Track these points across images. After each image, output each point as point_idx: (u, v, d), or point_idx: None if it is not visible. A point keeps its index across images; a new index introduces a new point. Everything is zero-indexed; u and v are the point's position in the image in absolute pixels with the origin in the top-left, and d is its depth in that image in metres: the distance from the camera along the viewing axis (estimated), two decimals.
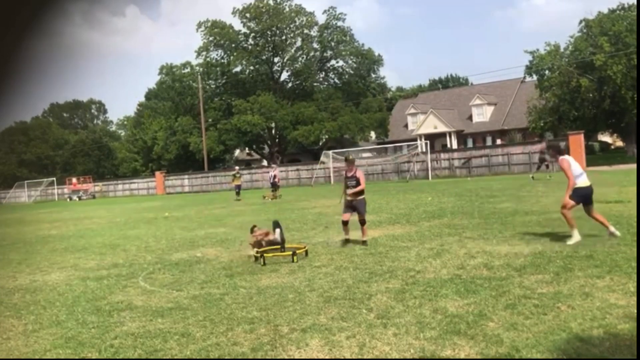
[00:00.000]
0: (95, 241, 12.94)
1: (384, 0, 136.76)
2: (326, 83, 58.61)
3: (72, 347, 4.81)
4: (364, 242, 9.01)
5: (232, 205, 23.21)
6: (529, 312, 4.75)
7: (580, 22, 37.67)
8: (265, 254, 8.18)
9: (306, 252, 8.47)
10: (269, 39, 54.16)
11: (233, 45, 54.87)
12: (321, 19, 55.66)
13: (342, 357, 4.10)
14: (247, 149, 62.56)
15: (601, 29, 35.46)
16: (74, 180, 56.21)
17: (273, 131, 55.94)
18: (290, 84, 58.43)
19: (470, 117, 53.40)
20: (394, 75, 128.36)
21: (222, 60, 56.34)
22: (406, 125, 56.87)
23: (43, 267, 9.39)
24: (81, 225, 18.59)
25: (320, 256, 8.34)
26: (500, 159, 33.78)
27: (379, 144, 56.38)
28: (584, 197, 7.89)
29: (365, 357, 4.08)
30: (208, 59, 56.18)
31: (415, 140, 44.52)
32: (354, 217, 9.23)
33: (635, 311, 4.54)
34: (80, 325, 5.48)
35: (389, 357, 4.03)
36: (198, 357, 4.34)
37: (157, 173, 52.50)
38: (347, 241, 9.26)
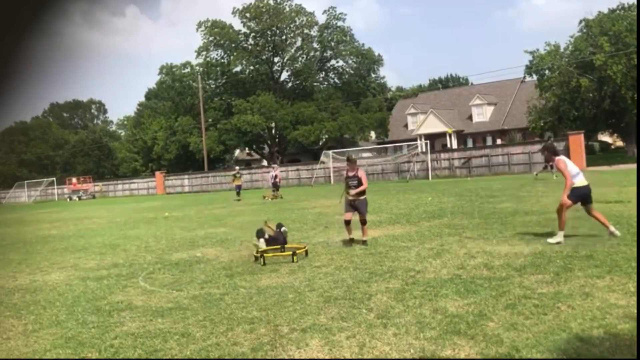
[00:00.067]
0: (95, 241, 12.94)
1: (384, 0, 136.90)
2: (326, 83, 58.65)
3: (72, 347, 4.81)
4: (364, 242, 9.01)
5: (232, 205, 23.21)
6: (529, 312, 4.75)
7: (580, 22, 37.71)
8: (265, 254, 8.18)
9: (306, 252, 8.47)
10: (269, 38, 54.17)
11: (233, 45, 54.88)
12: (321, 19, 55.78)
13: (342, 357, 4.10)
14: (247, 149, 62.58)
15: (601, 29, 35.46)
16: (74, 180, 56.22)
17: (273, 131, 55.95)
18: (290, 84, 58.45)
19: (470, 117, 53.40)
20: (394, 75, 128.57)
21: (222, 60, 56.36)
22: (406, 125, 56.87)
23: (43, 267, 9.38)
24: (81, 225, 18.59)
25: (320, 256, 8.34)
26: (500, 159, 33.79)
27: (379, 144, 56.38)
28: (582, 196, 7.90)
29: (365, 357, 4.08)
30: (208, 59, 56.20)
31: (415, 140, 44.51)
32: (355, 217, 9.22)
33: (635, 311, 4.54)
34: (80, 325, 5.48)
35: (389, 357, 4.03)
36: (198, 357, 4.34)
37: (157, 173, 52.51)
38: (351, 241, 9.21)
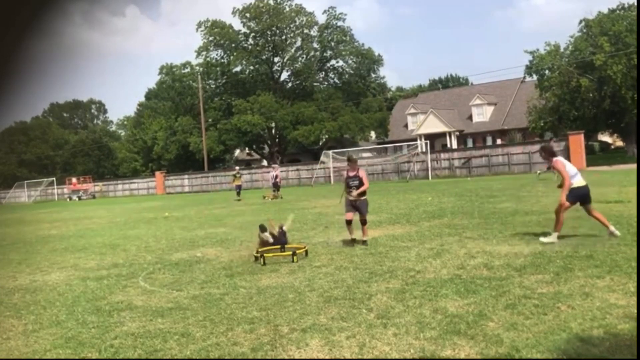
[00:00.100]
0: (95, 241, 12.94)
1: (384, 0, 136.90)
2: (326, 83, 58.66)
3: (72, 347, 4.81)
4: (364, 242, 9.00)
5: (232, 205, 23.21)
6: (529, 312, 4.75)
7: (580, 22, 37.72)
8: (265, 254, 8.18)
9: (306, 252, 8.47)
10: (269, 38, 54.17)
11: (233, 45, 54.89)
12: (321, 19, 55.78)
13: (342, 357, 4.10)
14: (247, 149, 62.59)
15: (601, 29, 35.47)
16: (74, 180, 56.22)
17: (273, 131, 55.96)
18: (290, 84, 58.46)
19: (470, 117, 53.41)
20: (394, 75, 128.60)
21: (222, 60, 56.37)
22: (406, 125, 56.87)
23: (43, 267, 9.38)
24: (81, 225, 18.59)
25: (320, 256, 8.34)
26: (500, 159, 33.80)
27: (379, 144, 56.37)
28: (581, 196, 7.91)
29: (365, 357, 4.08)
30: (208, 59, 56.21)
31: (415, 140, 44.52)
32: (355, 217, 9.21)
33: (635, 311, 4.54)
34: (80, 325, 5.48)
35: (389, 357, 4.03)
36: (198, 357, 4.34)
37: (157, 173, 52.51)
38: (353, 241, 9.14)
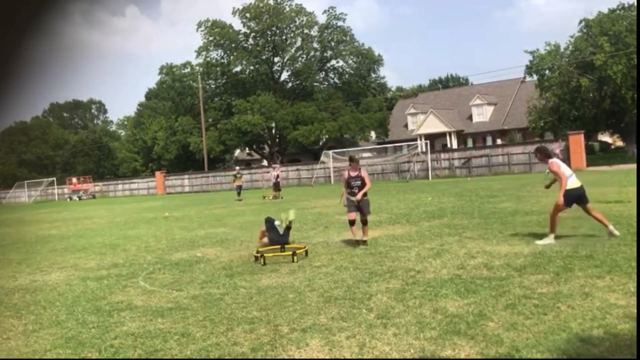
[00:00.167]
0: (95, 241, 12.94)
1: (384, 0, 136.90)
2: (326, 83, 58.64)
3: (72, 347, 4.81)
4: (364, 242, 8.98)
5: (232, 205, 23.21)
6: (529, 312, 4.75)
7: (580, 22, 37.71)
8: (265, 254, 8.19)
9: (306, 252, 8.47)
10: (269, 38, 54.18)
11: (233, 45, 54.90)
12: (321, 19, 55.76)
13: (342, 357, 4.10)
14: (247, 149, 62.60)
15: (601, 29, 35.46)
16: (74, 180, 56.21)
17: (273, 131, 55.97)
18: (290, 84, 58.46)
19: (470, 117, 53.41)
20: (394, 75, 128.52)
21: (222, 60, 56.36)
22: (406, 125, 56.88)
23: (43, 267, 9.38)
24: (81, 225, 18.59)
25: (320, 256, 8.34)
26: (500, 159, 33.80)
27: (379, 144, 56.38)
28: (577, 197, 7.92)
29: (365, 357, 4.08)
30: (208, 59, 56.21)
31: (415, 140, 44.52)
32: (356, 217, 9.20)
33: (635, 311, 4.54)
34: (80, 325, 5.48)
35: (389, 357, 4.03)
36: (198, 357, 4.34)
37: (157, 173, 52.51)
38: (357, 242, 8.99)
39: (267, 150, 59.40)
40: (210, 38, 54.91)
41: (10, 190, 64.60)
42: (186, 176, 51.03)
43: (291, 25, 53.98)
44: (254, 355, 4.27)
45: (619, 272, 5.82)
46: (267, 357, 4.22)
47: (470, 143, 50.76)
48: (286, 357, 4.19)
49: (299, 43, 55.40)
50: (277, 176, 26.61)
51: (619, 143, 47.22)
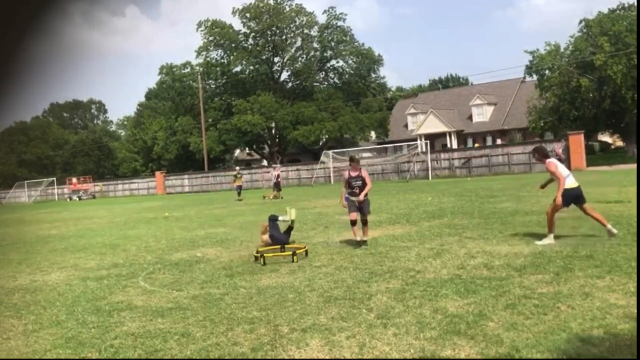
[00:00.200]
0: (95, 241, 12.94)
1: (384, 0, 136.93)
2: (326, 83, 58.65)
3: (72, 347, 4.81)
4: (364, 242, 8.98)
5: (232, 205, 23.21)
6: (529, 312, 4.75)
7: (580, 22, 37.72)
8: (265, 254, 8.19)
9: (306, 252, 8.47)
10: (269, 38, 54.17)
11: (233, 45, 54.89)
12: (321, 19, 55.76)
13: (342, 357, 4.10)
14: (247, 149, 62.60)
15: (601, 29, 35.47)
16: (74, 180, 56.22)
17: (273, 131, 55.96)
18: (290, 84, 58.46)
19: (470, 117, 53.41)
20: (394, 75, 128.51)
21: (222, 60, 56.37)
22: (406, 125, 56.89)
23: (43, 267, 9.39)
24: (81, 225, 18.59)
25: (320, 256, 8.34)
26: (500, 159, 33.80)
27: (379, 144, 56.39)
28: (574, 197, 7.93)
29: (365, 357, 4.08)
30: (208, 59, 56.20)
31: (415, 140, 44.52)
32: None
33: (635, 311, 4.54)
34: (80, 325, 5.48)
35: (389, 357, 4.03)
36: (198, 357, 4.34)
37: (157, 173, 52.50)
38: (358, 243, 8.91)
39: (267, 150, 59.40)
40: (210, 38, 54.92)
41: (10, 190, 64.59)
42: (186, 176, 51.03)
43: (291, 25, 53.98)
44: (254, 355, 4.27)
45: (619, 272, 5.82)
46: (267, 357, 4.22)
47: (470, 143, 50.76)
48: (286, 357, 4.19)
49: (299, 43, 55.42)
50: (278, 176, 26.63)
51: (619, 143, 47.22)
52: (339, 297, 5.73)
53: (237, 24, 57.86)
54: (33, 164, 69.25)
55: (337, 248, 9.01)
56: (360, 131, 51.87)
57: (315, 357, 4.15)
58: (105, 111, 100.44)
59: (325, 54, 56.04)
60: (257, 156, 64.46)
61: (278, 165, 35.98)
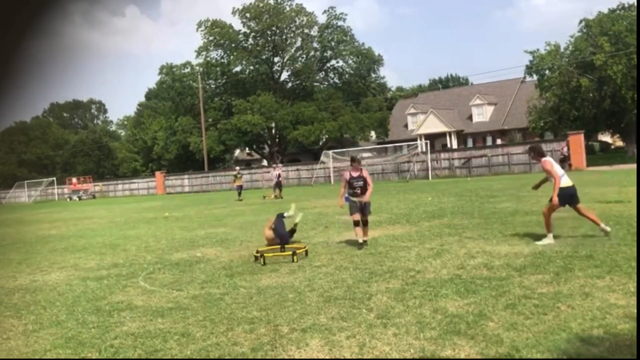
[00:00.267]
0: (95, 241, 12.94)
1: (384, 0, 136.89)
2: (326, 83, 58.63)
3: (72, 347, 4.81)
4: (364, 242, 8.97)
5: (232, 205, 23.22)
6: (529, 312, 4.75)
7: (580, 22, 37.72)
8: (265, 254, 8.19)
9: (306, 252, 8.48)
10: (269, 38, 54.17)
11: (233, 45, 54.88)
12: (321, 19, 55.75)
13: (342, 357, 4.10)
14: (247, 149, 62.60)
15: (601, 29, 35.47)
16: (74, 180, 56.22)
17: (273, 131, 55.96)
18: (290, 84, 58.45)
19: (470, 117, 53.42)
20: (394, 75, 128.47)
21: (222, 60, 56.36)
22: (406, 125, 56.89)
23: (43, 267, 9.39)
24: (81, 225, 18.59)
25: (320, 256, 8.34)
26: (500, 159, 33.80)
27: (379, 144, 56.39)
28: (569, 196, 7.93)
29: (365, 357, 4.08)
30: (208, 59, 56.19)
31: (415, 140, 44.52)
32: None
33: (635, 311, 4.54)
34: (80, 325, 5.48)
35: (389, 357, 4.03)
36: (198, 357, 4.34)
37: (157, 173, 52.51)
38: (360, 244, 8.82)
39: (267, 150, 59.39)
40: (210, 38, 54.91)
41: (10, 190, 64.59)
42: (186, 176, 51.04)
43: (291, 25, 53.98)
44: (254, 355, 4.27)
45: (619, 272, 5.82)
46: (267, 357, 4.22)
47: (470, 143, 50.76)
48: (286, 357, 4.19)
49: (299, 43, 55.41)
50: (279, 175, 26.63)
51: (619, 143, 47.21)
52: (339, 297, 5.73)
53: (237, 24, 57.91)
54: (33, 164, 69.25)
55: (337, 248, 9.01)
56: (360, 131, 51.87)
57: (315, 357, 4.15)
58: (105, 111, 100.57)
59: (325, 54, 56.03)
60: (257, 156, 64.46)
61: (279, 165, 35.97)
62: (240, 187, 27.83)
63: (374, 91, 59.85)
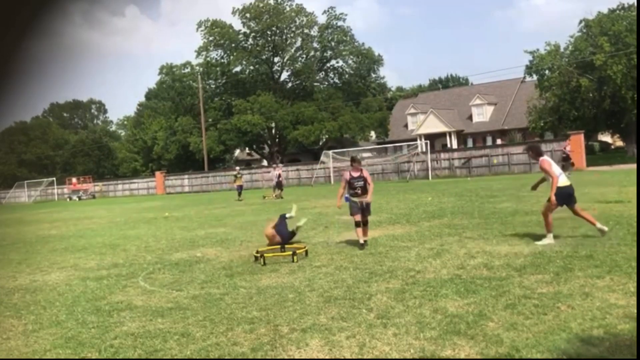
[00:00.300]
0: (95, 241, 12.94)
1: (384, 0, 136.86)
2: (326, 83, 58.63)
3: (72, 347, 4.81)
4: (364, 242, 8.96)
5: (232, 205, 23.21)
6: (529, 312, 4.75)
7: (580, 22, 37.71)
8: (265, 254, 8.19)
9: (306, 252, 8.48)
10: (269, 38, 54.17)
11: (233, 45, 54.88)
12: (321, 19, 55.74)
13: (342, 357, 4.10)
14: (247, 149, 62.59)
15: (601, 29, 35.47)
16: (74, 180, 56.22)
17: (273, 131, 55.96)
18: (290, 84, 58.45)
19: (470, 117, 53.41)
20: (394, 75, 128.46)
21: (222, 60, 56.35)
22: (406, 125, 56.89)
23: (43, 267, 9.39)
24: (81, 225, 18.59)
25: (320, 256, 8.34)
26: (500, 159, 33.80)
27: (379, 144, 56.39)
28: (568, 196, 7.93)
29: (365, 357, 4.08)
30: (208, 59, 56.19)
31: (415, 140, 44.52)
32: None
33: (635, 311, 4.54)
34: (80, 325, 5.48)
35: (389, 357, 4.03)
36: (198, 357, 4.34)
37: (157, 173, 52.52)
38: (362, 245, 8.77)
39: (267, 150, 59.39)
40: (210, 38, 54.90)
41: (10, 190, 64.59)
42: (186, 176, 51.04)
43: (291, 25, 53.97)
44: (254, 355, 4.27)
45: (619, 272, 5.82)
46: (267, 357, 4.22)
47: (470, 143, 50.75)
48: (286, 357, 4.19)
49: (299, 43, 55.41)
50: (279, 175, 26.63)
51: (619, 143, 47.21)
52: (339, 297, 5.73)
53: (237, 24, 57.89)
54: (33, 164, 69.25)
55: (337, 248, 9.01)
56: (360, 131, 51.87)
57: (315, 357, 4.15)
58: (105, 111, 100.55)
59: (325, 54, 56.03)
60: (257, 156, 64.45)
61: (279, 164, 35.96)
62: (240, 187, 27.83)
63: (374, 91, 59.85)
